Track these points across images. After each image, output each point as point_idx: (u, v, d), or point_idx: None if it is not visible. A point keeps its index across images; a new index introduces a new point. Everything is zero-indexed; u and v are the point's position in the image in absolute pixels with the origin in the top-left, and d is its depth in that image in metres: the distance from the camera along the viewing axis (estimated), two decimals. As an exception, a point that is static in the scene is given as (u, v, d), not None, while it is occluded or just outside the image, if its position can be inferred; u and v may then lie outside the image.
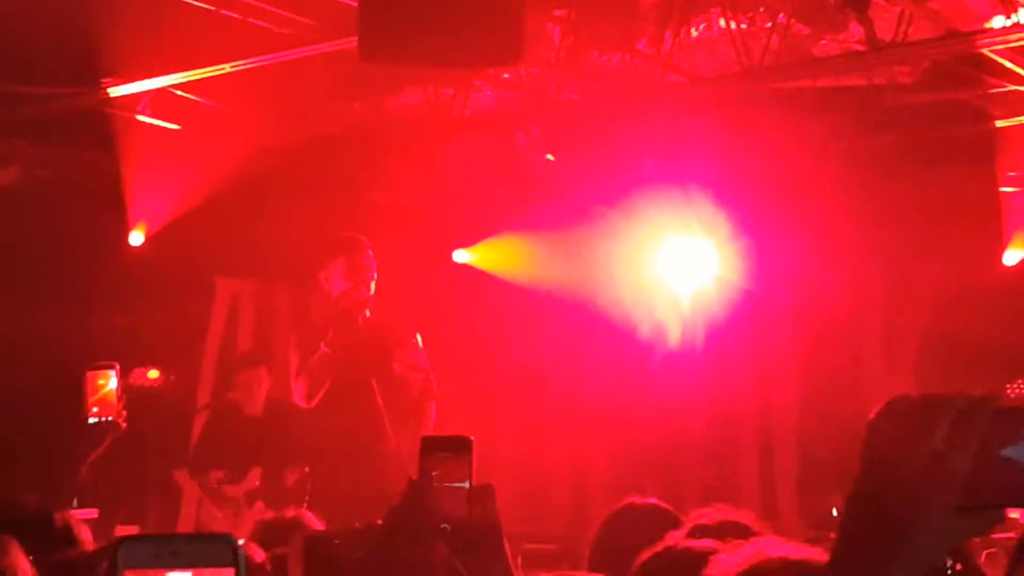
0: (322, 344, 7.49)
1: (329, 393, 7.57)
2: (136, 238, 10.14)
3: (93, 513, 8.54)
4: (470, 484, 2.54)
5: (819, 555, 2.27)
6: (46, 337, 9.74)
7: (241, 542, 1.61)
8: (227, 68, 8.49)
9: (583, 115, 9.15)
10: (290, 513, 5.54)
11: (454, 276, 10.58)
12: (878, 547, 1.52)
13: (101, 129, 9.38)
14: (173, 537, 1.58)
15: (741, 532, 3.93)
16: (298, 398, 7.74)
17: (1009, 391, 9.67)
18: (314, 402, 7.60)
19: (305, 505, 8.00)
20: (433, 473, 2.54)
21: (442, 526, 2.53)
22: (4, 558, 2.70)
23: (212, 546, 1.59)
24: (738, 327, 10.29)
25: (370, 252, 7.63)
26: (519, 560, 2.72)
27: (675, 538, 3.29)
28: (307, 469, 8.45)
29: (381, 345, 7.60)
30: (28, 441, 9.25)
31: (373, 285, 7.61)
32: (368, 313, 7.63)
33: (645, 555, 2.99)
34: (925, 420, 1.54)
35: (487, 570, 2.58)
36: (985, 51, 7.95)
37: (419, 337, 7.78)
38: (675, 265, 10.00)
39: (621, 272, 10.01)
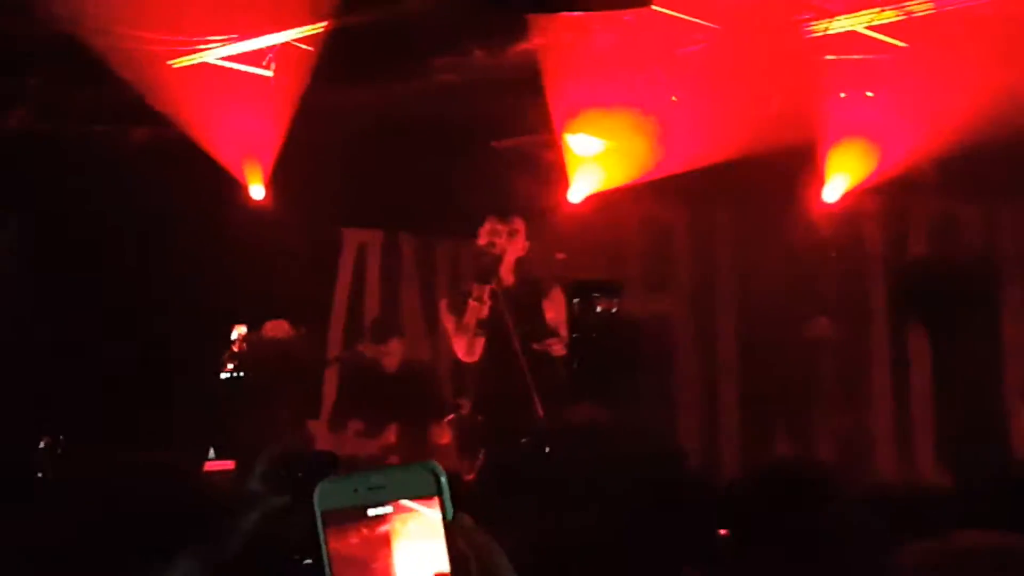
0: (470, 300, 7.60)
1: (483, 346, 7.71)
2: (257, 192, 10.18)
3: (230, 464, 8.71)
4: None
5: None
6: (179, 296, 9.84)
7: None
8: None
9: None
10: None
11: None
12: None
13: (218, 85, 9.43)
14: (371, 472, 1.51)
15: None
16: (460, 354, 7.87)
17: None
18: (474, 357, 7.75)
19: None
20: None
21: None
22: None
23: (413, 476, 1.50)
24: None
25: (512, 217, 7.75)
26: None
27: None
28: (447, 422, 8.55)
29: (527, 300, 7.72)
30: (165, 396, 9.42)
31: (515, 244, 7.71)
32: (512, 269, 7.73)
33: None
34: None
35: None
36: None
37: (563, 292, 7.88)
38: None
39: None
